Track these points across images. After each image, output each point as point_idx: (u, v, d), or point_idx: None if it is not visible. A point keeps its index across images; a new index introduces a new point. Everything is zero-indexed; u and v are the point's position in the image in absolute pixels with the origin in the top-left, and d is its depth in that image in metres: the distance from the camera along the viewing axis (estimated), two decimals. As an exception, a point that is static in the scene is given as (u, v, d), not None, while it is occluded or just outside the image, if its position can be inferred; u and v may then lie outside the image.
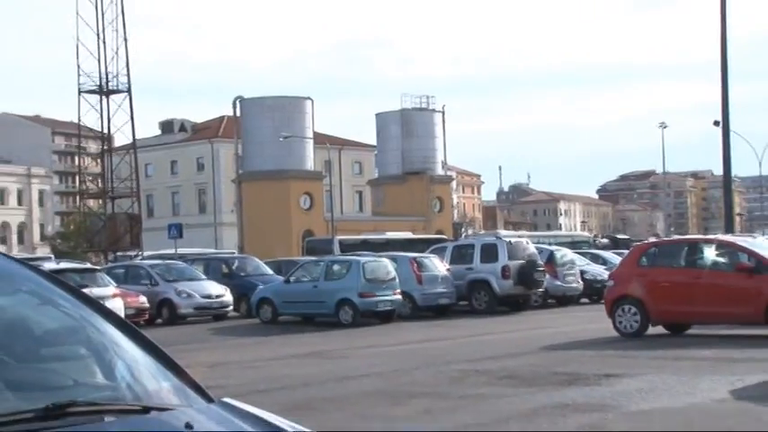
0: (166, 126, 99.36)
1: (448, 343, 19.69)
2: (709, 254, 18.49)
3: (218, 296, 28.86)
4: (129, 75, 61.68)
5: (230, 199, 79.03)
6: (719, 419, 9.72)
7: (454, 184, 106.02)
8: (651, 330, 18.60)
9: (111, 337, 3.36)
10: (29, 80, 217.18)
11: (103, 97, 61.69)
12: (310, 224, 65.82)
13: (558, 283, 30.70)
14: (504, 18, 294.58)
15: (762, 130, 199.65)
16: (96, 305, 3.54)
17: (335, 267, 26.82)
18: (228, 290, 29.33)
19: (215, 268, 32.66)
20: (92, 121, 62.67)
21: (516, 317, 26.72)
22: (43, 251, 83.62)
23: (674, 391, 11.53)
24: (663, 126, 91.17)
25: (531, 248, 30.08)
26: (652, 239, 29.82)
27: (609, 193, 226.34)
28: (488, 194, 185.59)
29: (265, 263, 34.34)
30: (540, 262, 29.38)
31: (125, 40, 61.23)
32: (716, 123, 34.64)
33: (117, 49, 61.15)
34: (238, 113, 67.78)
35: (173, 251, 40.12)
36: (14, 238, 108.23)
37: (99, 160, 69.33)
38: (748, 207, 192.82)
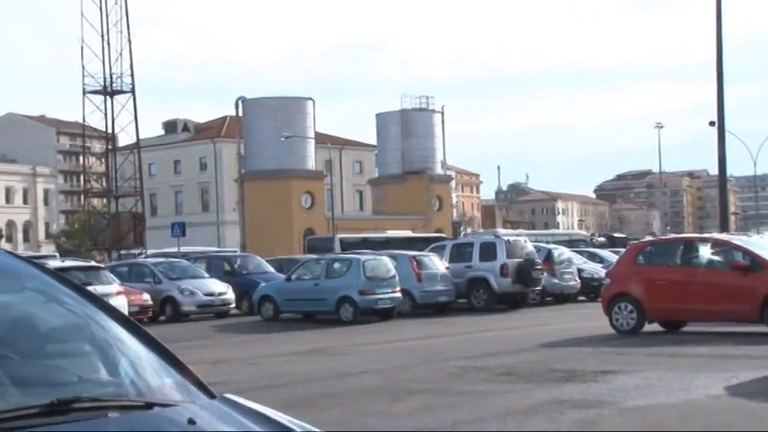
0: (170, 126, 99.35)
1: (447, 340, 19.69)
2: (705, 252, 18.50)
3: (220, 294, 28.86)
4: (132, 75, 61.71)
5: (232, 198, 79.08)
6: (714, 415, 9.72)
7: (453, 183, 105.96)
8: (647, 328, 18.60)
9: (114, 334, 3.36)
10: (34, 81, 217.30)
11: (108, 98, 61.68)
12: (311, 223, 65.83)
13: (556, 281, 30.71)
14: (502, 20, 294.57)
15: (757, 130, 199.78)
16: (100, 302, 3.54)
17: (336, 265, 26.82)
18: (231, 288, 29.34)
19: (217, 266, 32.64)
20: (96, 121, 62.72)
21: (514, 314, 26.71)
22: (48, 249, 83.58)
23: (669, 388, 11.53)
24: (659, 126, 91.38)
25: (530, 247, 30.08)
26: (648, 238, 29.79)
27: (606, 192, 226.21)
28: (487, 194, 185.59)
29: (267, 261, 34.35)
30: (538, 260, 29.38)
31: (129, 41, 61.26)
32: (711, 124, 34.66)
33: (121, 50, 61.17)
34: (241, 114, 67.84)
35: (176, 249, 40.09)
36: (20, 236, 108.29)
37: (103, 160, 69.31)
38: (743, 206, 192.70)
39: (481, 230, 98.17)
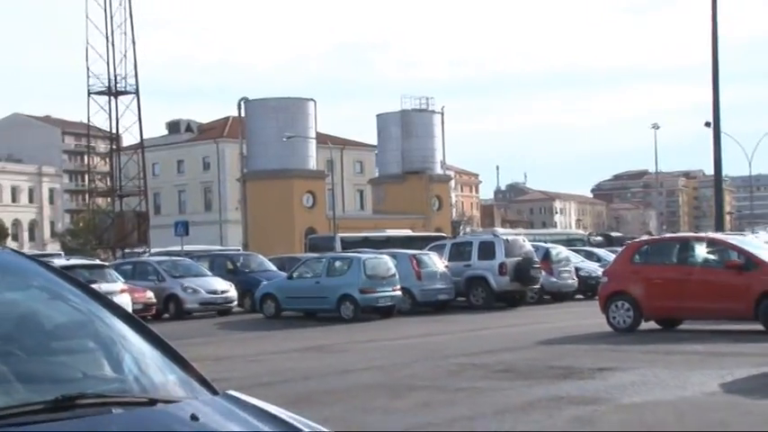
0: (173, 126, 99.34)
1: (446, 337, 19.68)
2: (701, 251, 18.50)
3: (223, 292, 28.86)
4: (137, 76, 61.75)
5: (235, 197, 79.12)
6: (710, 412, 9.72)
7: (453, 183, 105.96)
8: (644, 325, 18.59)
9: (118, 332, 3.36)
10: (40, 82, 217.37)
11: (112, 98, 61.73)
12: (313, 222, 65.81)
13: (554, 279, 30.71)
14: (501, 22, 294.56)
15: (752, 130, 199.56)
16: (105, 300, 3.54)
17: (337, 264, 26.81)
18: (233, 286, 29.33)
19: (220, 265, 32.65)
20: (101, 121, 62.78)
21: (513, 312, 26.70)
22: (53, 248, 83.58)
23: (665, 385, 11.53)
24: (655, 127, 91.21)
25: (528, 246, 30.07)
26: (645, 237, 29.77)
27: (603, 192, 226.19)
28: (486, 193, 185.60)
29: (269, 259, 34.35)
30: (536, 259, 29.38)
31: (133, 42, 61.31)
32: (707, 125, 34.70)
33: (125, 51, 61.21)
34: (243, 114, 67.85)
35: (179, 248, 40.08)
36: (26, 235, 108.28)
37: (108, 159, 69.38)
38: (738, 206, 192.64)
39: (480, 230, 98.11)
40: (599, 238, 61.92)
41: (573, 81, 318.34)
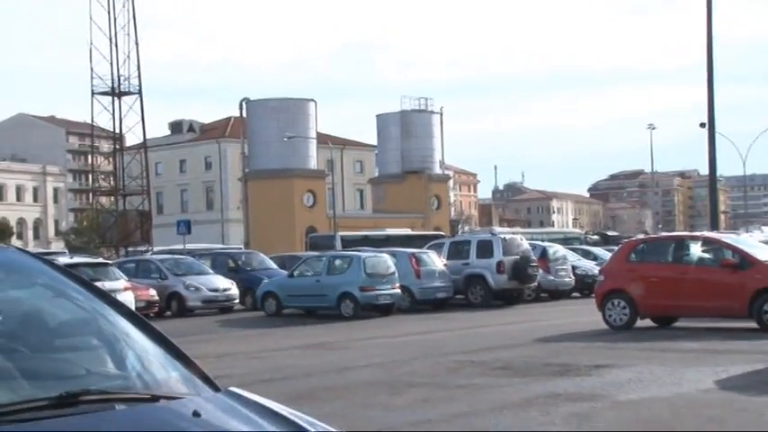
0: (176, 126, 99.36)
1: (445, 335, 19.68)
2: (696, 250, 18.49)
3: (224, 290, 28.86)
4: (140, 77, 61.78)
5: (236, 196, 79.11)
6: (705, 409, 9.72)
7: (451, 182, 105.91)
8: (639, 323, 18.60)
9: (122, 329, 3.36)
10: (44, 82, 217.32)
11: (115, 99, 61.75)
12: (313, 221, 65.77)
13: (551, 277, 30.70)
14: (500, 24, 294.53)
15: (746, 131, 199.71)
16: (108, 298, 3.54)
17: (337, 262, 26.81)
18: (235, 284, 29.33)
19: (222, 263, 32.65)
20: (104, 121, 62.85)
21: (510, 310, 26.71)
22: (58, 246, 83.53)
23: (661, 382, 11.53)
24: (651, 127, 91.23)
25: (525, 245, 30.06)
26: (640, 236, 29.77)
27: (599, 191, 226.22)
28: (484, 193, 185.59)
29: (270, 258, 34.34)
30: (534, 258, 29.36)
31: (136, 44, 61.33)
32: (702, 125, 34.65)
33: (128, 52, 61.24)
34: (245, 114, 67.81)
35: (181, 246, 40.07)
36: (30, 233, 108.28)
37: (111, 159, 69.36)
38: (732, 205, 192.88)
39: (478, 229, 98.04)
40: (595, 237, 61.95)
41: (570, 82, 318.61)
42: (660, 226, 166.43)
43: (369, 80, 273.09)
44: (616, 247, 24.12)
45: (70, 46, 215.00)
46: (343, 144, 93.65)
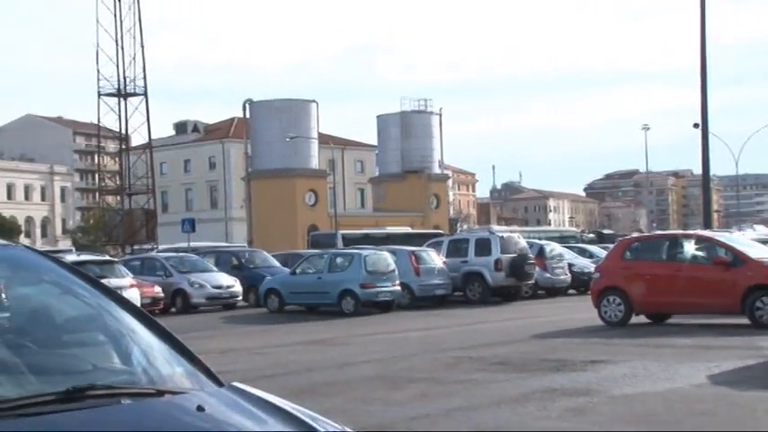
0: (180, 127, 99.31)
1: (444, 331, 19.68)
2: (689, 248, 18.49)
3: (228, 287, 28.86)
4: (145, 79, 61.84)
5: (240, 195, 79.02)
6: (698, 403, 9.72)
7: (450, 182, 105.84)
8: (634, 320, 18.59)
9: (127, 325, 3.37)
10: (52, 84, 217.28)
11: (121, 100, 61.81)
12: (315, 219, 65.75)
13: (548, 275, 30.69)
14: (498, 26, 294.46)
15: (739, 131, 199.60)
16: (114, 295, 3.55)
17: (338, 260, 26.80)
18: (238, 281, 29.34)
19: (225, 260, 32.63)
20: (110, 122, 63.03)
21: (508, 307, 26.71)
22: (65, 244, 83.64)
23: (655, 377, 11.53)
24: (646, 128, 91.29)
25: (523, 243, 30.06)
26: (635, 234, 29.78)
27: (595, 190, 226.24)
28: (482, 192, 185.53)
29: (272, 256, 34.33)
30: (531, 255, 29.37)
31: (142, 46, 61.39)
32: (696, 126, 34.63)
33: (134, 54, 61.30)
34: (248, 115, 67.79)
35: (186, 244, 40.07)
36: (38, 231, 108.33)
37: (117, 159, 69.47)
38: (725, 204, 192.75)
39: (476, 227, 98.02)
40: (591, 236, 61.93)
41: (567, 83, 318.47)
42: (654, 224, 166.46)
43: (370, 82, 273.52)
44: (611, 246, 24.12)
45: (77, 48, 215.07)
46: (345, 144, 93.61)
